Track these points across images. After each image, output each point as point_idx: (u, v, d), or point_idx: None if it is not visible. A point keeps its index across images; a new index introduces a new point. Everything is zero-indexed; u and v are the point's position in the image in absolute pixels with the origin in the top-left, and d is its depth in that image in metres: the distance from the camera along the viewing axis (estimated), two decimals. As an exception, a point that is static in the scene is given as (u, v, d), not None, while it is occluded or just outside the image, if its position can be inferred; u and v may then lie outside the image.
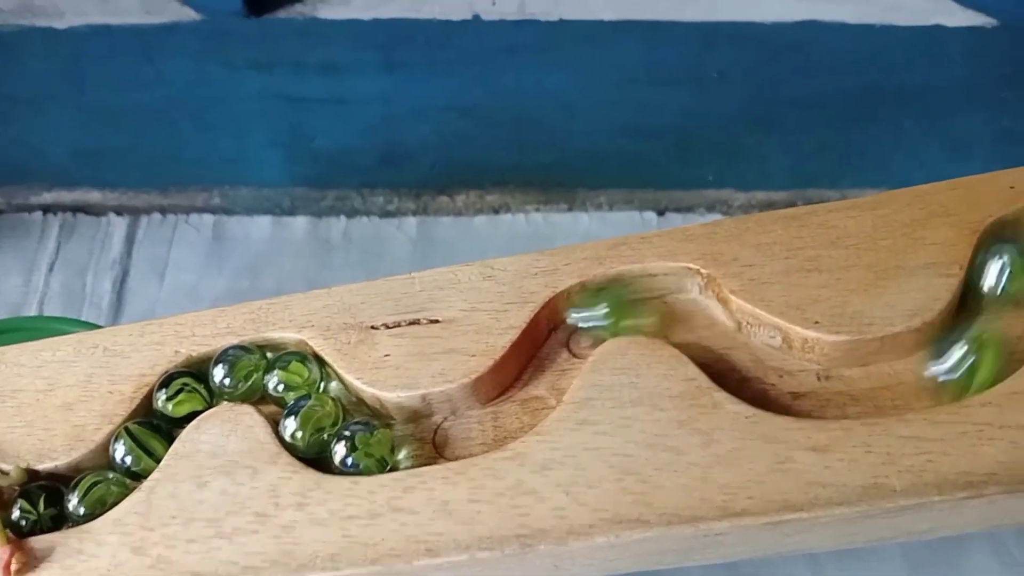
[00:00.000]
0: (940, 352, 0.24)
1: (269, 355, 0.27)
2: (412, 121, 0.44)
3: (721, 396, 0.23)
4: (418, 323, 0.26)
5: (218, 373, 0.26)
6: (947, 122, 0.46)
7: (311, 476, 0.24)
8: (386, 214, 0.47)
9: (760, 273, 0.25)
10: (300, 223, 0.47)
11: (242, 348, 0.27)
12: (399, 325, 0.26)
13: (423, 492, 0.23)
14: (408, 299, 0.26)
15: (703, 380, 0.23)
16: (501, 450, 0.23)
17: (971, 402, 0.22)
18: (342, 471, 0.24)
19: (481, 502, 0.23)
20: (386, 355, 0.25)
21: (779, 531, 0.22)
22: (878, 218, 0.25)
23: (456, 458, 0.25)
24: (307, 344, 0.26)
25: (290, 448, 0.25)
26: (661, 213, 0.47)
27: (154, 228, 0.46)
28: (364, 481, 0.24)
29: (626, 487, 0.22)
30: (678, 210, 0.47)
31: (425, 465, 0.24)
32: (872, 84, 0.44)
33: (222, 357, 0.26)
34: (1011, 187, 0.25)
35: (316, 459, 0.25)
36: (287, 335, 0.27)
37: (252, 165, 0.46)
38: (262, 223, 0.47)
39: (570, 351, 0.26)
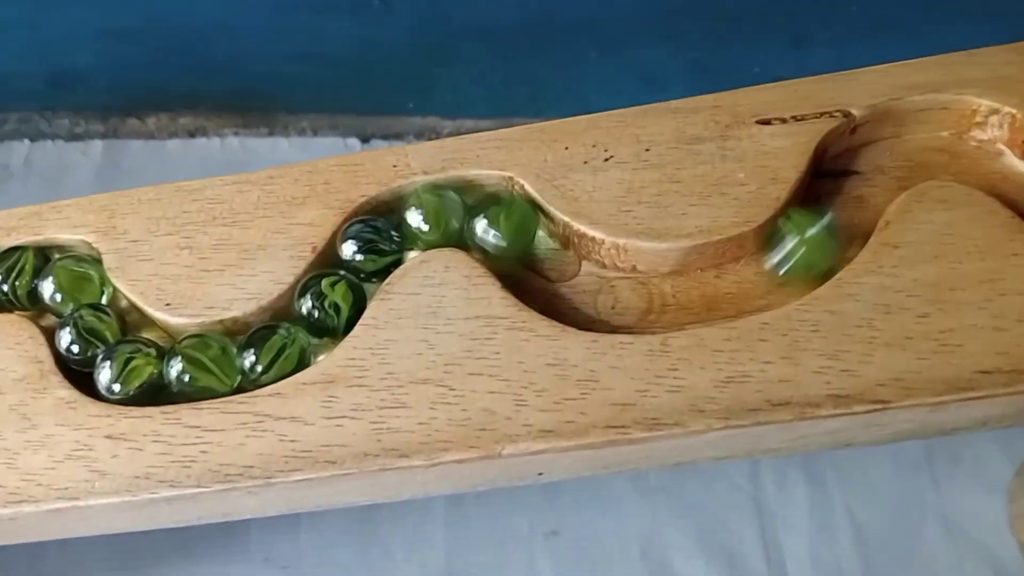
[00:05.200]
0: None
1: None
2: (70, 46, 0.43)
3: (56, 380, 0.23)
4: None
5: None
6: (633, 53, 0.45)
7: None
8: (73, 137, 0.47)
9: (142, 250, 0.25)
10: (-19, 147, 0.46)
11: None
12: None
13: None
14: None
15: (49, 364, 0.23)
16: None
17: (264, 391, 0.22)
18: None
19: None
20: None
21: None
22: (265, 194, 0.25)
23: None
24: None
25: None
26: (366, 140, 0.46)
27: None
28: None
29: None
30: (385, 137, 0.47)
31: None
32: (543, 14, 0.43)
33: None
34: (394, 166, 0.24)
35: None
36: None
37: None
38: (-55, 149, 0.46)
39: None
